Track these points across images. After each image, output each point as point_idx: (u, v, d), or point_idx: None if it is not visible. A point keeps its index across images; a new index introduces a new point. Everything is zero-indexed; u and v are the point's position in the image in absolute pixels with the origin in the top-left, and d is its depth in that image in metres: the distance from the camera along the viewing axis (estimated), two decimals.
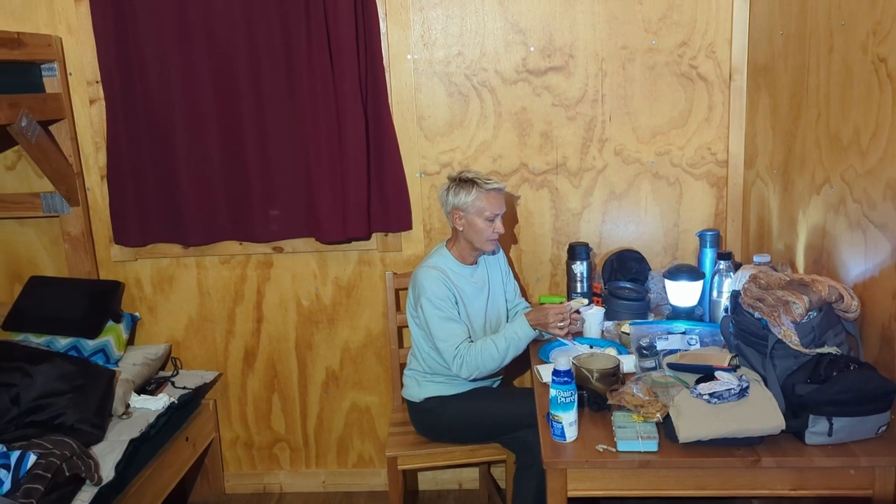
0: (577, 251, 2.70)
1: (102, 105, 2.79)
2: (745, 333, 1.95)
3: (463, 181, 2.39)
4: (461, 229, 2.41)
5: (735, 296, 2.07)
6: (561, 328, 2.31)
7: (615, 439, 1.77)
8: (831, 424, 1.70)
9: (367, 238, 2.86)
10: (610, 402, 1.91)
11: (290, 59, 2.68)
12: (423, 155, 2.83)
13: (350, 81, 2.65)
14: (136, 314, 2.98)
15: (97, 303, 2.81)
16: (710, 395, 1.77)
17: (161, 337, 3.03)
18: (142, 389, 2.75)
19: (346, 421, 3.09)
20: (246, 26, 2.66)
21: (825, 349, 1.80)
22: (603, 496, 1.80)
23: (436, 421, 2.47)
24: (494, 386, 2.61)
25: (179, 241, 2.88)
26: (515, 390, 2.68)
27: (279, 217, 2.82)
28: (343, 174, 2.71)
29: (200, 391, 2.91)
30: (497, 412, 2.41)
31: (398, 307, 2.82)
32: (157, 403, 2.61)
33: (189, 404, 2.83)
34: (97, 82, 2.78)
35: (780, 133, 2.41)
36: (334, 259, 2.94)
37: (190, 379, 2.89)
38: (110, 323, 2.82)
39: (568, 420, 1.80)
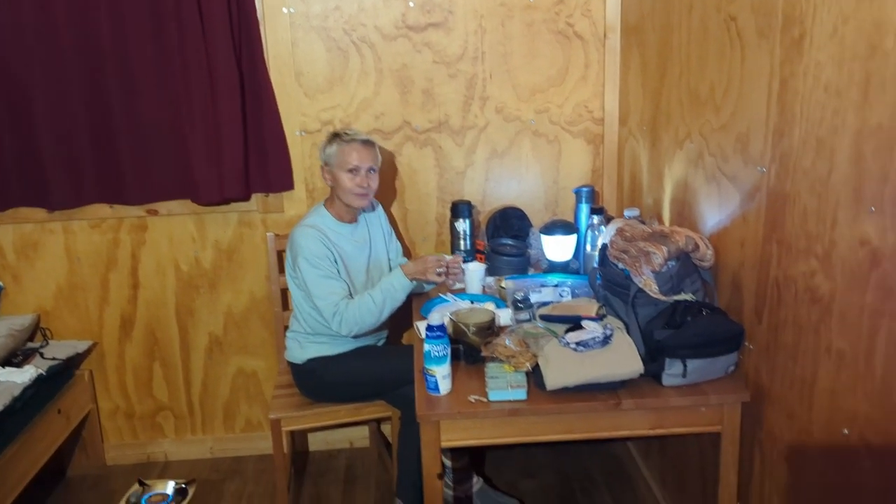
0: (460, 209, 2.72)
1: None
2: (611, 284, 2.03)
3: (330, 136, 2.38)
4: (330, 185, 2.39)
5: (603, 248, 2.14)
6: (439, 274, 2.33)
7: (487, 390, 1.82)
8: (685, 366, 1.81)
9: (247, 199, 2.79)
10: (483, 354, 1.96)
11: (157, 11, 2.54)
12: (302, 112, 2.77)
13: (222, 35, 2.54)
14: (0, 283, 2.81)
15: None
16: (577, 343, 1.84)
17: (28, 307, 2.87)
18: (7, 362, 2.60)
19: (232, 386, 3.04)
20: None
21: (681, 296, 1.89)
22: (476, 445, 1.84)
23: (319, 381, 2.47)
24: (379, 344, 2.62)
25: (42, 205, 2.72)
26: (398, 348, 2.70)
27: (153, 177, 2.70)
28: (217, 132, 2.61)
29: (73, 361, 2.78)
30: (380, 370, 2.43)
31: (281, 269, 2.78)
32: (22, 376, 2.48)
33: (60, 376, 2.70)
34: None
35: (649, 91, 2.49)
36: (213, 221, 2.85)
37: (61, 349, 2.75)
38: None
39: (441, 373, 1.84)
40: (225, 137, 2.62)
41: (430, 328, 1.83)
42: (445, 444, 1.82)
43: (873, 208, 1.30)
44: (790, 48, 1.56)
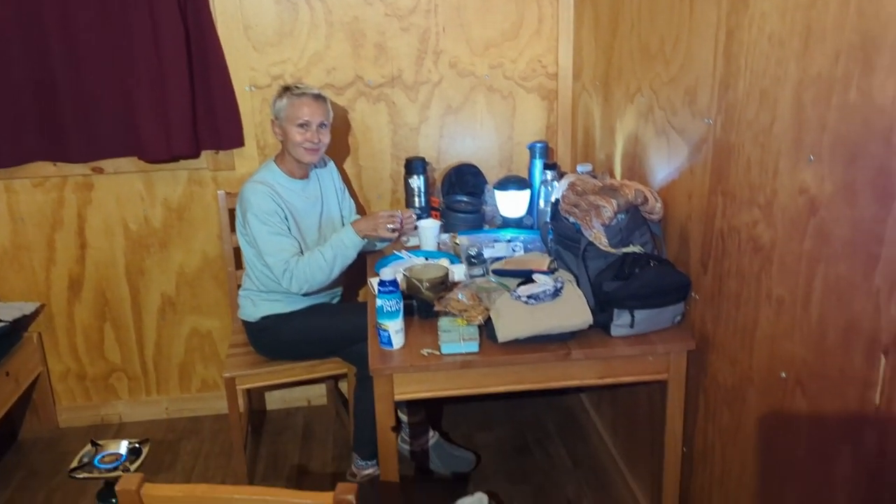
0: (414, 165, 2.71)
1: None
2: (562, 238, 2.05)
3: (280, 89, 2.34)
4: (281, 139, 2.36)
5: (555, 203, 2.16)
6: (390, 231, 2.32)
7: (439, 343, 1.83)
8: (633, 317, 1.84)
9: (196, 156, 2.73)
10: (437, 308, 1.96)
11: None
12: (252, 67, 2.70)
13: None
14: None
15: None
16: (528, 296, 1.86)
17: None
18: None
19: (186, 346, 3.01)
20: None
21: (630, 248, 1.92)
22: (429, 398, 1.86)
23: (274, 339, 2.45)
24: (333, 302, 2.61)
25: None
26: (353, 305, 2.70)
27: (98, 134, 2.62)
28: (163, 87, 2.54)
29: (20, 323, 2.72)
30: (334, 327, 2.42)
31: (233, 228, 2.74)
32: None
33: (7, 338, 2.64)
34: None
35: (601, 45, 2.49)
36: (162, 179, 2.79)
37: (6, 311, 2.68)
38: None
39: (394, 328, 1.84)
40: (171, 93, 2.55)
41: (381, 283, 1.82)
42: (399, 397, 1.83)
43: (812, 157, 1.33)
44: None
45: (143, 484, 1.08)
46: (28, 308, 2.76)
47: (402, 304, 1.85)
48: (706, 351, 1.84)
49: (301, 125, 2.31)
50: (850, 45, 1.20)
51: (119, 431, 2.97)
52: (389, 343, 1.85)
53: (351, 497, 1.00)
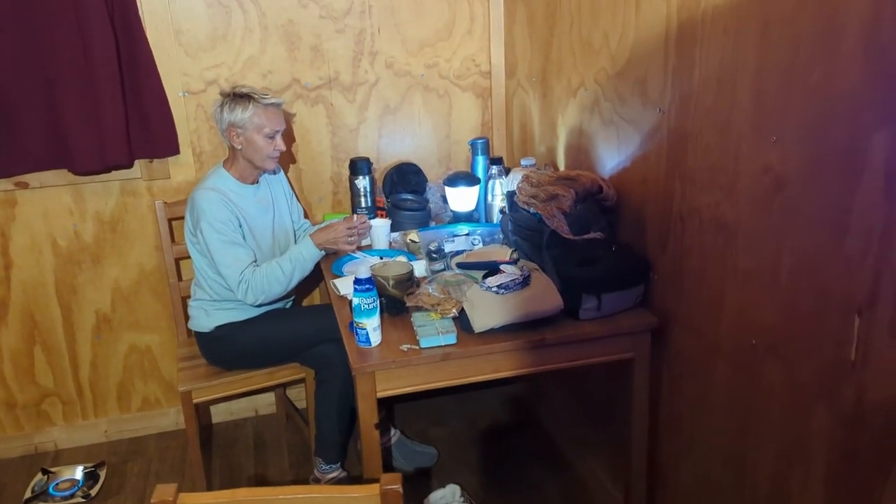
0: (359, 166, 2.71)
1: None
2: (522, 228, 2.12)
3: (238, 96, 2.27)
4: (239, 147, 2.31)
5: (511, 195, 2.22)
6: (350, 243, 2.34)
7: (417, 338, 1.86)
8: (600, 300, 1.93)
9: (130, 166, 2.62)
10: (408, 304, 1.99)
11: None
12: (185, 72, 2.63)
13: None
14: None
15: None
16: (498, 286, 1.91)
17: None
18: None
19: (124, 364, 2.88)
20: None
21: (591, 235, 2.01)
22: (411, 392, 1.88)
23: (230, 349, 2.40)
24: (287, 307, 2.58)
25: None
26: (309, 308, 2.67)
27: (21, 147, 2.47)
28: (94, 96, 2.43)
29: None
30: (293, 331, 2.40)
31: (173, 238, 2.66)
32: None
33: None
34: None
35: (537, 42, 2.58)
36: (92, 192, 2.66)
37: None
38: None
39: (372, 325, 1.85)
40: (103, 101, 2.44)
41: (358, 281, 1.83)
42: (381, 394, 1.84)
43: (775, 138, 1.44)
44: None
45: (179, 494, 1.05)
46: None
47: (377, 302, 1.86)
48: (668, 327, 1.95)
49: (269, 135, 2.27)
50: (812, 32, 1.31)
51: (56, 459, 2.80)
52: (367, 341, 1.86)
53: (398, 487, 1.02)
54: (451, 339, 1.85)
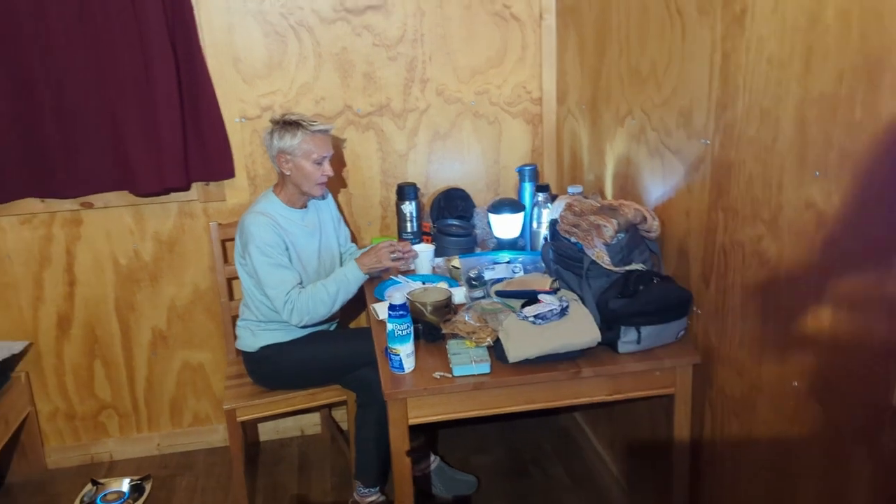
0: (406, 191, 2.73)
1: None
2: (563, 258, 2.09)
3: (287, 124, 2.33)
4: (288, 173, 2.36)
5: (553, 224, 2.20)
6: (394, 259, 2.36)
7: (451, 366, 1.85)
8: (639, 333, 1.88)
9: (187, 188, 2.72)
10: (444, 331, 1.98)
11: None
12: (241, 99, 2.72)
13: (154, 19, 2.46)
14: None
15: None
16: (535, 316, 1.89)
17: None
18: None
19: (178, 381, 2.97)
20: None
21: (632, 266, 1.97)
22: (442, 420, 1.87)
23: (274, 369, 2.44)
24: (331, 330, 2.61)
25: None
26: (351, 331, 2.70)
27: (87, 169, 2.60)
28: (155, 120, 2.54)
29: (7, 364, 2.66)
30: (335, 354, 2.42)
31: (226, 259, 2.73)
32: None
33: None
34: None
35: (587, 70, 2.56)
36: (152, 213, 2.77)
37: None
38: None
39: (405, 352, 1.85)
40: (163, 125, 2.54)
41: (392, 307, 1.84)
42: (413, 420, 1.84)
43: (818, 173, 1.39)
44: (731, 24, 1.64)
45: None
46: (16, 347, 2.70)
47: (412, 328, 1.87)
48: (711, 363, 1.88)
49: (317, 161, 2.33)
50: (854, 65, 1.26)
51: (110, 470, 2.90)
52: (401, 367, 1.86)
53: None
54: (485, 368, 1.84)
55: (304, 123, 2.32)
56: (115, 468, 2.93)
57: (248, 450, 3.02)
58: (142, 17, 2.46)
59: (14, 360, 2.73)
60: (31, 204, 2.65)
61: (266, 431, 3.11)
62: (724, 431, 1.86)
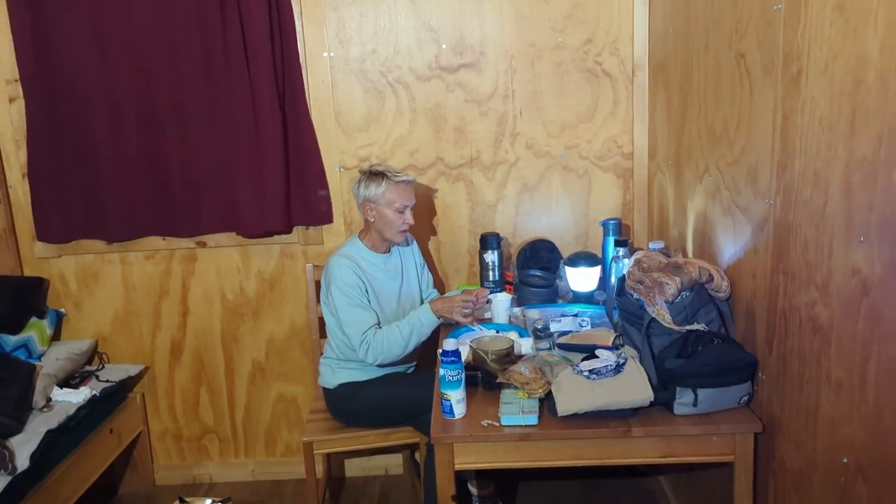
0: (488, 241, 2.80)
1: (22, 103, 2.82)
2: (627, 313, 2.07)
3: (373, 174, 2.48)
4: (372, 220, 2.50)
5: (621, 279, 2.19)
6: (465, 315, 2.42)
7: (499, 414, 1.88)
8: (696, 395, 1.83)
9: (288, 232, 2.94)
10: (500, 380, 2.02)
11: (208, 55, 2.74)
12: (341, 150, 2.91)
13: (266, 78, 2.72)
14: (62, 310, 3.02)
15: (20, 299, 2.84)
16: (590, 371, 1.89)
17: (87, 332, 3.07)
18: (65, 383, 2.78)
19: (273, 411, 3.16)
20: (162, 22, 2.72)
21: (693, 326, 1.92)
22: (488, 468, 1.90)
23: (349, 406, 2.56)
24: (408, 372, 2.70)
25: (103, 237, 2.93)
26: (426, 374, 2.76)
27: (202, 211, 2.88)
28: (261, 169, 2.78)
29: (126, 384, 2.96)
30: (407, 396, 2.50)
31: (318, 298, 2.90)
32: (78, 396, 2.65)
33: (113, 397, 2.87)
34: (16, 80, 2.81)
35: (673, 126, 2.54)
36: (257, 253, 3.01)
37: (115, 373, 2.93)
38: (34, 319, 2.86)
39: (456, 397, 1.90)
40: (268, 174, 2.78)
41: (444, 353, 1.90)
42: (459, 466, 1.87)
43: (862, 238, 1.33)
44: (790, 84, 1.61)
45: None
46: (134, 370, 3.00)
47: (463, 374, 1.92)
48: (774, 433, 1.79)
49: (399, 210, 2.46)
50: (891, 128, 1.22)
51: (209, 491, 3.13)
52: (451, 412, 1.91)
53: None
54: (532, 419, 1.85)
55: (389, 174, 2.46)
56: (213, 490, 3.15)
57: (332, 483, 3.14)
58: (256, 79, 2.72)
59: (131, 381, 3.02)
60: (155, 241, 2.97)
61: (352, 467, 3.23)
62: None
